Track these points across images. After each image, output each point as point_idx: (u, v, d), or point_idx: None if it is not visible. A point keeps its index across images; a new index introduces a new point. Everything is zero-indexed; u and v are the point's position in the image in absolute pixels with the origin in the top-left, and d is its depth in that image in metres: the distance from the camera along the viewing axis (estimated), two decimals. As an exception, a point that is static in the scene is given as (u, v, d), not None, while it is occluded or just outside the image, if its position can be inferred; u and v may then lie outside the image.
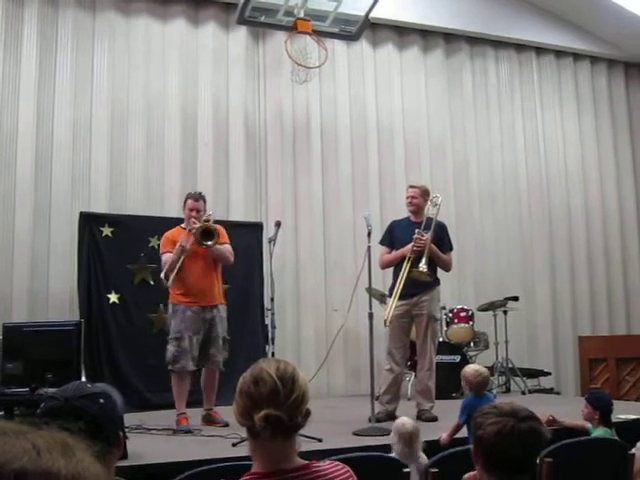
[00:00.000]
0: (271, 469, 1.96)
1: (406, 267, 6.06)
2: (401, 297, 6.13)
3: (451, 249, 6.62)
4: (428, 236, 6.14)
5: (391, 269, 6.47)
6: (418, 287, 6.17)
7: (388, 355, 6.29)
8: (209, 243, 5.81)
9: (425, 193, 6.56)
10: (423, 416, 6.09)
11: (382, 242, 6.58)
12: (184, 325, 5.88)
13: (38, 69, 7.99)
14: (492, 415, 2.18)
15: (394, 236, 6.44)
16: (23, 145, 7.84)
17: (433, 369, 6.37)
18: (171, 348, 5.88)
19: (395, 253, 6.30)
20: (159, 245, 7.45)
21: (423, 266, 6.02)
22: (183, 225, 6.17)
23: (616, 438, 4.22)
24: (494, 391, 8.15)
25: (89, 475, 0.80)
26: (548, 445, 3.32)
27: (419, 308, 6.26)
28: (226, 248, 6.08)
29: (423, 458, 3.91)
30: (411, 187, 6.66)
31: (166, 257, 6.03)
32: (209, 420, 5.97)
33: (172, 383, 5.95)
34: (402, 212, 9.40)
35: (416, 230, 6.18)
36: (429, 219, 6.35)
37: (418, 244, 6.10)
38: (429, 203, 6.49)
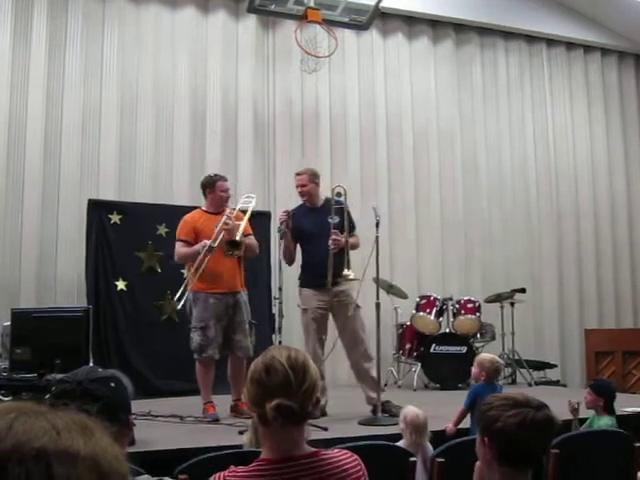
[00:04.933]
0: (281, 456, 1.97)
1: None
2: (320, 288, 5.84)
3: (355, 228, 6.15)
4: (345, 236, 5.77)
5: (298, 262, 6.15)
6: (333, 277, 5.76)
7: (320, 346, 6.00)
8: (236, 252, 5.63)
9: (313, 177, 6.16)
10: (390, 409, 5.72)
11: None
12: (207, 313, 5.70)
13: (48, 56, 8.00)
14: (508, 407, 2.17)
15: (295, 226, 5.99)
16: (32, 132, 7.86)
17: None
18: (197, 337, 5.71)
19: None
20: (167, 233, 7.52)
21: (349, 272, 5.65)
22: (205, 208, 6.01)
23: (618, 429, 4.22)
24: (500, 382, 8.16)
25: (108, 455, 0.80)
26: (555, 436, 3.34)
27: (344, 296, 5.91)
28: (252, 242, 5.93)
29: (429, 448, 3.92)
30: (297, 175, 6.20)
31: (184, 251, 5.82)
32: (236, 411, 5.72)
33: (197, 371, 5.78)
34: (409, 202, 9.45)
35: (332, 231, 5.74)
36: (337, 209, 5.87)
37: (335, 245, 5.72)
38: (334, 193, 5.99)
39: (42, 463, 0.75)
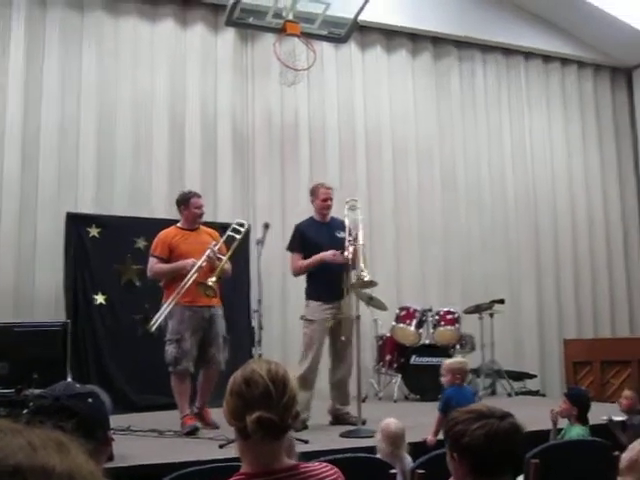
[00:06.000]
0: (261, 469, 1.97)
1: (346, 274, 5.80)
2: (329, 300, 5.97)
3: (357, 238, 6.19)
4: (354, 246, 5.86)
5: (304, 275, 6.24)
6: (340, 290, 5.91)
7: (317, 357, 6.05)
8: (209, 292, 5.65)
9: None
10: (350, 420, 5.86)
11: (293, 249, 6.26)
12: (184, 325, 5.72)
13: (25, 69, 7.97)
14: (472, 420, 2.17)
15: (306, 240, 6.14)
16: (9, 145, 7.82)
17: None
18: (172, 350, 5.70)
19: (314, 258, 5.98)
20: (145, 246, 7.48)
21: (365, 274, 5.69)
22: (180, 225, 6.05)
23: (593, 438, 4.25)
24: (480, 393, 8.19)
25: (83, 472, 0.80)
26: (535, 445, 3.35)
27: (347, 310, 5.97)
28: (228, 268, 5.94)
29: (407, 459, 3.93)
30: (326, 188, 6.35)
31: (160, 267, 5.85)
32: (200, 418, 5.83)
33: (173, 385, 5.76)
34: (388, 215, 9.47)
35: (346, 244, 5.85)
36: (342, 222, 6.11)
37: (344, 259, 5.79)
38: (347, 206, 6.25)
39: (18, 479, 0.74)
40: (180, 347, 5.69)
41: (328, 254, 5.91)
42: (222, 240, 6.02)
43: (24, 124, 7.90)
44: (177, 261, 5.83)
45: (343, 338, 5.97)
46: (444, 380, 5.04)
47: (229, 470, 2.07)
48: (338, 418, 6.05)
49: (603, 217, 10.81)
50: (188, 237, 5.92)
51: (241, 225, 6.21)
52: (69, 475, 0.78)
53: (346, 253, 5.79)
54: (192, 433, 5.49)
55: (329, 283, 5.89)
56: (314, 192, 6.36)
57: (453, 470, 2.21)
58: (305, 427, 5.58)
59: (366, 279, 5.67)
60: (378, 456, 3.77)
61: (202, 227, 6.14)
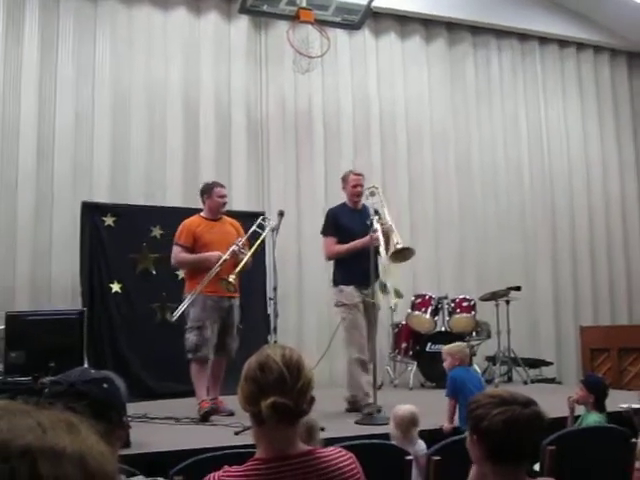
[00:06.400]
0: (275, 455, 1.97)
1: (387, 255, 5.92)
2: (361, 286, 6.06)
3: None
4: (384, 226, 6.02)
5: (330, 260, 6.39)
6: (369, 277, 6.00)
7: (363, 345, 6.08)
8: (230, 287, 5.81)
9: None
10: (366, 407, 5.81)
11: (327, 233, 6.34)
12: (205, 314, 5.86)
13: (40, 58, 7.98)
14: (493, 405, 2.16)
15: (340, 225, 6.23)
16: (25, 134, 7.83)
17: None
18: (192, 337, 5.82)
19: (354, 244, 6.04)
20: (161, 234, 7.53)
21: (400, 243, 5.93)
22: (203, 214, 6.17)
23: (610, 424, 4.23)
24: (496, 380, 8.17)
25: (94, 453, 0.79)
26: (551, 432, 3.33)
27: (371, 296, 6.07)
28: (249, 262, 6.03)
29: (420, 445, 3.94)
30: (356, 175, 6.43)
31: (184, 256, 5.97)
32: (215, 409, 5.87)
33: (192, 371, 5.88)
34: (403, 201, 9.44)
35: (373, 228, 5.93)
36: (370, 209, 6.17)
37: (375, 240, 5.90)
38: (367, 192, 6.40)
39: (27, 461, 0.74)
40: (201, 335, 5.82)
41: (366, 239, 5.94)
42: (247, 235, 6.14)
43: (39, 114, 7.92)
44: (201, 250, 5.95)
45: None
46: (445, 365, 5.23)
47: (244, 456, 2.08)
48: (355, 405, 6.03)
49: (620, 201, 10.72)
50: (212, 227, 6.06)
51: (265, 219, 6.35)
52: (80, 456, 0.77)
53: (376, 234, 5.87)
54: (210, 414, 5.57)
55: (360, 268, 5.92)
56: (345, 179, 6.46)
57: (472, 452, 2.21)
58: (379, 410, 5.58)
59: (400, 247, 5.85)
60: (393, 442, 3.78)
61: (225, 217, 6.27)
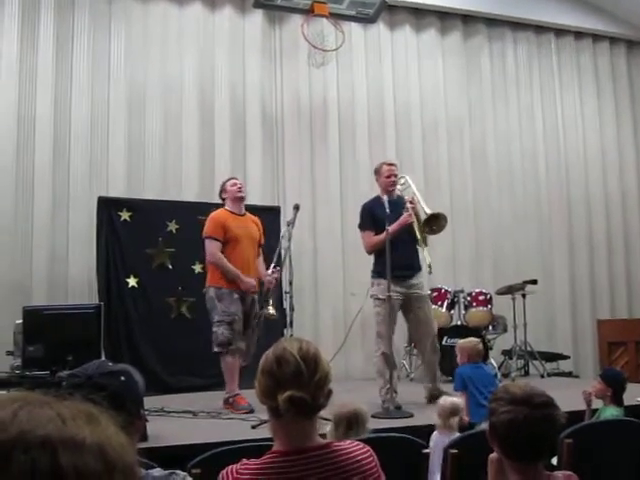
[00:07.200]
0: (293, 448, 1.97)
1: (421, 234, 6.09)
2: (399, 278, 6.05)
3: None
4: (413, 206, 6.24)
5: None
6: (411, 269, 6.19)
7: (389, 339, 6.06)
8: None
9: None
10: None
11: (364, 227, 6.34)
12: (234, 307, 5.93)
13: (55, 54, 8.01)
14: (505, 402, 2.15)
15: (376, 217, 6.19)
16: (41, 130, 7.87)
17: None
18: (224, 331, 5.85)
19: (392, 227, 5.95)
20: (177, 229, 7.56)
21: (427, 210, 6.17)
22: (228, 208, 6.21)
23: (628, 418, 4.20)
24: (512, 374, 8.15)
25: (114, 443, 0.80)
26: (569, 426, 3.31)
27: (418, 288, 6.22)
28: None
29: (456, 435, 4.01)
30: (390, 165, 6.52)
31: (223, 262, 5.98)
32: (231, 405, 5.91)
33: (225, 365, 5.91)
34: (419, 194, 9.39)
35: (407, 206, 6.17)
36: (401, 197, 6.39)
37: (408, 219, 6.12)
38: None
39: (47, 451, 0.74)
40: (232, 328, 5.88)
41: (402, 219, 6.06)
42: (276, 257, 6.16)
43: (55, 110, 7.95)
44: (229, 243, 6.01)
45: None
46: (459, 360, 5.29)
47: (261, 450, 2.08)
48: (432, 396, 5.94)
49: (637, 192, 10.64)
50: (239, 222, 6.14)
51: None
52: (99, 447, 0.78)
53: (407, 214, 6.06)
54: (249, 413, 5.52)
55: (399, 261, 5.90)
56: (378, 171, 6.50)
57: (491, 442, 2.21)
58: (398, 407, 5.62)
59: (429, 212, 6.10)
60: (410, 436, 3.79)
61: (248, 214, 6.36)
